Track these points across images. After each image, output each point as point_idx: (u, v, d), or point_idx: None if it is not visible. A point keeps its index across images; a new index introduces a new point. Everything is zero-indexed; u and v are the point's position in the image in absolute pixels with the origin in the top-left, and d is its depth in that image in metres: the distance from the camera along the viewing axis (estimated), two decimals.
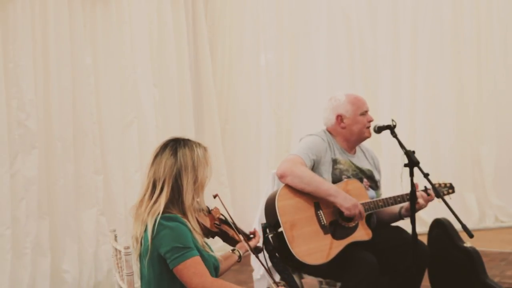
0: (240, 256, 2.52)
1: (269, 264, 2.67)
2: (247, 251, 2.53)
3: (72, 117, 4.24)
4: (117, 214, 4.49)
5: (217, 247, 3.98)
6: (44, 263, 4.00)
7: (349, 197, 2.93)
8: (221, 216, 2.48)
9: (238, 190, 5.69)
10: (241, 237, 2.49)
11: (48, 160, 4.10)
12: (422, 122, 5.91)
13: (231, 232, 2.47)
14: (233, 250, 2.51)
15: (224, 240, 2.50)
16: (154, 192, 2.27)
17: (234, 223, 2.49)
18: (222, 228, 2.46)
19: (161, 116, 4.94)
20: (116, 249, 2.44)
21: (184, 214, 2.26)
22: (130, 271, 2.28)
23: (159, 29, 4.96)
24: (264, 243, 2.62)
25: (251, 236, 2.59)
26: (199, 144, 2.36)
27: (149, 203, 2.26)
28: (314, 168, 3.03)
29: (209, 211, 2.46)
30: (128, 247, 2.27)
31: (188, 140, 2.36)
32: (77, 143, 4.27)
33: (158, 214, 2.21)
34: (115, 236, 2.53)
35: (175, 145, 2.32)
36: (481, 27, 5.90)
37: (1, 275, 3.78)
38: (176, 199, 2.27)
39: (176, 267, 2.17)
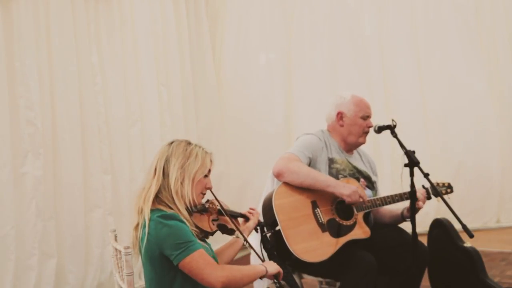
0: (245, 240, 2.53)
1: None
2: (250, 232, 2.59)
3: (79, 117, 4.24)
4: (125, 214, 4.49)
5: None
6: (50, 264, 4.00)
7: (348, 185, 2.95)
8: (217, 207, 2.48)
9: (238, 189, 5.70)
10: (239, 222, 2.55)
11: (56, 160, 4.10)
12: (430, 120, 5.91)
13: (229, 222, 2.48)
14: (236, 236, 2.52)
15: (223, 233, 2.51)
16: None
17: (229, 211, 2.52)
18: (221, 222, 2.47)
19: (166, 115, 4.95)
20: (116, 249, 2.44)
21: (173, 200, 2.28)
22: (130, 271, 2.29)
23: (162, 27, 4.97)
24: (262, 241, 2.63)
25: (249, 215, 2.64)
26: (201, 147, 2.41)
27: (143, 190, 2.32)
28: (311, 167, 3.03)
29: (205, 209, 2.46)
30: (128, 247, 2.27)
31: (191, 141, 2.41)
32: (85, 142, 4.28)
33: (152, 203, 2.25)
34: (115, 236, 2.53)
35: (175, 140, 2.40)
36: (488, 25, 5.90)
37: (5, 275, 3.77)
38: (166, 184, 2.30)
39: (182, 260, 2.17)
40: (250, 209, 2.69)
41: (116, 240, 2.52)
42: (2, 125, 3.80)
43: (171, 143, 2.39)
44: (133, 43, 4.70)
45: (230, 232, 2.52)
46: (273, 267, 2.35)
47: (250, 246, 2.45)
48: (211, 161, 2.42)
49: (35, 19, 3.99)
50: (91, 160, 4.31)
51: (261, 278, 2.33)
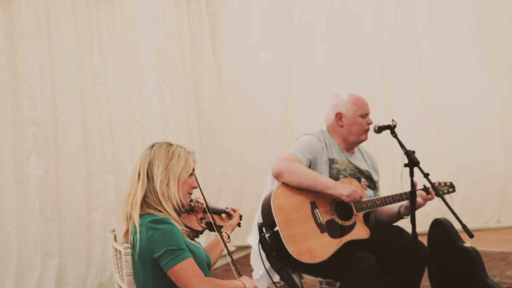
0: (229, 237, 2.56)
1: (267, 264, 2.67)
2: (233, 229, 2.62)
3: (81, 116, 4.23)
4: None
5: None
6: (52, 264, 3.99)
7: (346, 185, 2.95)
8: (203, 205, 2.49)
9: (240, 188, 5.70)
10: (223, 218, 2.61)
11: (57, 160, 4.10)
12: (431, 120, 5.90)
13: (216, 219, 2.49)
14: (220, 234, 2.52)
15: (211, 230, 2.51)
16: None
17: (213, 208, 2.54)
18: (208, 220, 2.47)
19: (168, 114, 4.95)
20: (116, 249, 2.43)
21: (160, 203, 2.28)
22: (130, 271, 2.28)
23: (163, 26, 4.97)
24: (260, 242, 2.63)
25: (231, 212, 2.67)
26: (182, 147, 2.41)
27: (129, 195, 2.31)
28: (311, 168, 3.03)
29: (192, 208, 2.46)
30: (127, 247, 2.26)
31: (172, 143, 2.41)
32: (87, 142, 4.27)
33: (140, 206, 2.25)
34: (115, 236, 2.53)
35: (155, 142, 2.41)
36: (489, 23, 5.90)
37: (7, 275, 3.77)
38: (152, 187, 2.30)
39: (171, 268, 2.17)
40: (232, 208, 2.72)
41: (115, 240, 2.51)
42: (4, 125, 3.79)
43: (152, 146, 2.39)
44: (134, 42, 4.70)
45: (215, 228, 2.52)
46: (250, 283, 2.35)
47: (223, 241, 2.44)
48: (194, 160, 2.41)
49: (36, 18, 3.98)
50: (93, 160, 4.30)
51: None
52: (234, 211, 2.69)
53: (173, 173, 2.33)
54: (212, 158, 5.47)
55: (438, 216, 3.53)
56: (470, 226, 2.86)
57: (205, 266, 2.31)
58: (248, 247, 4.67)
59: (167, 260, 2.17)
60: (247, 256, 3.48)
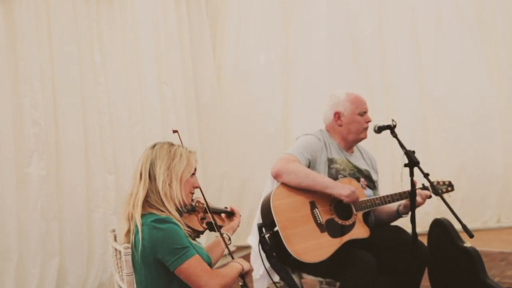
0: (230, 239, 2.56)
1: (267, 265, 2.67)
2: (234, 231, 2.62)
3: (82, 116, 4.22)
4: None
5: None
6: (53, 264, 3.99)
7: (346, 185, 2.95)
8: (204, 206, 2.49)
9: (238, 189, 5.70)
10: (223, 219, 2.60)
11: (58, 160, 4.10)
12: (431, 119, 5.90)
13: (217, 219, 2.50)
14: (221, 234, 2.53)
15: (211, 230, 2.52)
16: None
17: (213, 208, 2.54)
18: (208, 220, 2.48)
19: (169, 114, 4.95)
20: (116, 249, 2.43)
21: (162, 203, 2.29)
22: (130, 271, 2.28)
23: (164, 26, 4.97)
24: (260, 243, 2.63)
25: (231, 212, 2.67)
26: (184, 147, 2.41)
27: (131, 195, 2.31)
28: (310, 168, 3.04)
29: (193, 208, 2.46)
30: (128, 247, 2.27)
31: (173, 143, 2.41)
32: (88, 142, 4.27)
33: (142, 207, 2.25)
34: (115, 236, 2.53)
35: (157, 142, 2.41)
36: (489, 22, 5.90)
37: (7, 275, 3.76)
38: (154, 187, 2.30)
39: (179, 267, 2.18)
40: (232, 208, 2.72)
41: (115, 240, 2.51)
42: (6, 125, 3.79)
43: (154, 146, 2.39)
44: (135, 42, 4.71)
45: (216, 228, 2.53)
46: (246, 264, 2.38)
47: (224, 241, 2.45)
48: (195, 160, 2.42)
49: (37, 18, 3.98)
50: (94, 159, 4.30)
51: (239, 276, 2.34)
52: (238, 211, 2.68)
53: (176, 173, 2.33)
54: (212, 158, 5.47)
55: (438, 216, 3.54)
56: (470, 226, 2.86)
57: None
58: (248, 247, 4.67)
59: (174, 259, 2.17)
60: (247, 256, 3.48)
